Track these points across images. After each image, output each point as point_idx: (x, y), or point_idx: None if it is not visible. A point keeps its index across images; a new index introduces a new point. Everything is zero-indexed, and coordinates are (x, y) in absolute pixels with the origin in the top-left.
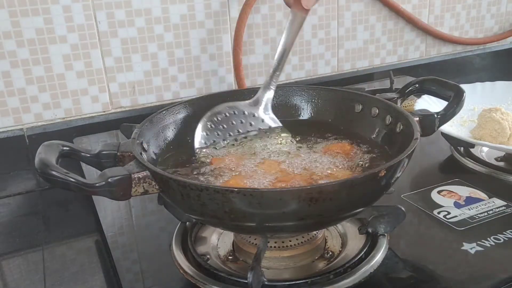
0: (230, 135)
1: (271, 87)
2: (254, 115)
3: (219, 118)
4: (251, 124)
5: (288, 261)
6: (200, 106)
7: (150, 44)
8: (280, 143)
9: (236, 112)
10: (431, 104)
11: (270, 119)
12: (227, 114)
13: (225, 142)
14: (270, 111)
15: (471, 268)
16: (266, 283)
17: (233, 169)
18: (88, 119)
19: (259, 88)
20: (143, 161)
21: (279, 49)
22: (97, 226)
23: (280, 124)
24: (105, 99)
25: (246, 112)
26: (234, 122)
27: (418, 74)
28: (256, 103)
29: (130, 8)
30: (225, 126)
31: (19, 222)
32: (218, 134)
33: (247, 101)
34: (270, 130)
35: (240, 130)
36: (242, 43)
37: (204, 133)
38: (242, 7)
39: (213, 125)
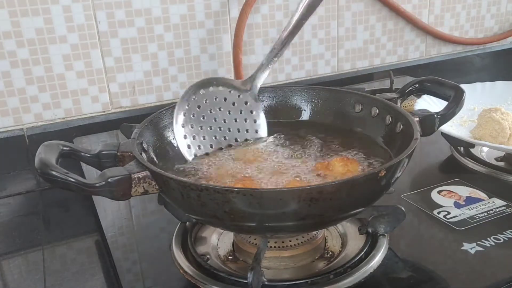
0: (220, 129)
1: (267, 69)
2: (246, 103)
3: (202, 106)
4: (240, 112)
5: (288, 261)
6: None
7: (150, 44)
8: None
9: (223, 99)
10: (431, 104)
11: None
12: (215, 99)
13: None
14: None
15: (471, 268)
16: (266, 283)
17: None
18: (88, 119)
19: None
20: (143, 161)
21: (289, 28)
22: (97, 226)
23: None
24: (105, 99)
25: (235, 102)
26: (221, 109)
27: (418, 74)
28: (246, 84)
29: (130, 8)
30: (211, 117)
31: (19, 222)
32: (201, 128)
33: (239, 81)
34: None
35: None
36: (242, 43)
37: (185, 127)
38: (242, 7)
39: (194, 115)
